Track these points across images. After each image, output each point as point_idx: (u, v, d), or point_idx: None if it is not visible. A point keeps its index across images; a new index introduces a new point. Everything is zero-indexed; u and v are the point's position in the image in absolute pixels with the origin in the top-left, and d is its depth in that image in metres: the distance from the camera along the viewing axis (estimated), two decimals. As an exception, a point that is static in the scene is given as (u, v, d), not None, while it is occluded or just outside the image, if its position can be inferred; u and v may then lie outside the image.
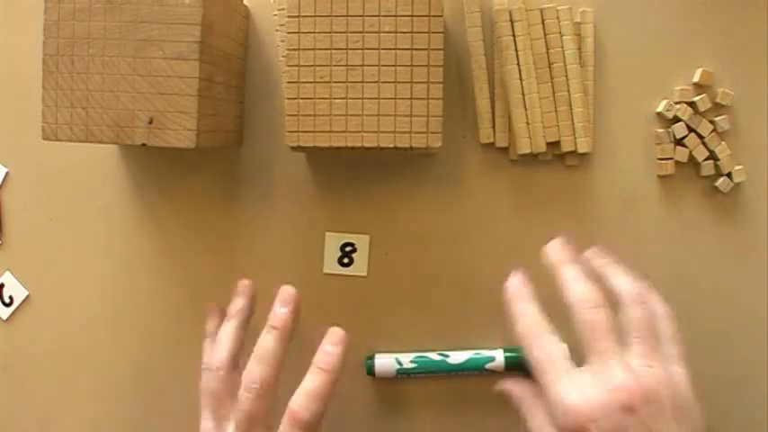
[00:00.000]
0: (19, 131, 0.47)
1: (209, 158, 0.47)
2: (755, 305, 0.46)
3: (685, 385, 0.34)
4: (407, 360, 0.45)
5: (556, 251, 0.38)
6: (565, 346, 0.35)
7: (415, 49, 0.40)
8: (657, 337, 0.34)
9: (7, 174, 0.48)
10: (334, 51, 0.40)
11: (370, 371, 0.45)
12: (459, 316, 0.46)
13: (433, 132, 0.40)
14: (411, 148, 0.40)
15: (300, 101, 0.40)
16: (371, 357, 0.45)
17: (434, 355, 0.45)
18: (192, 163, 0.47)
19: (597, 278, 0.37)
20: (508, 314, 0.37)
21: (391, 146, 0.40)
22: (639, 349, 0.33)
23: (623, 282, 0.36)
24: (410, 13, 0.40)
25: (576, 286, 0.35)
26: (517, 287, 0.38)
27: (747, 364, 0.46)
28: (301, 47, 0.40)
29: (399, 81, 0.40)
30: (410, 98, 0.40)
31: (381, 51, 0.40)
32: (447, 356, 0.45)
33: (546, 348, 0.35)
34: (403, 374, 0.45)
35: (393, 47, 0.40)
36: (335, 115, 0.40)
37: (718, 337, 0.46)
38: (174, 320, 0.47)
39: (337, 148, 0.41)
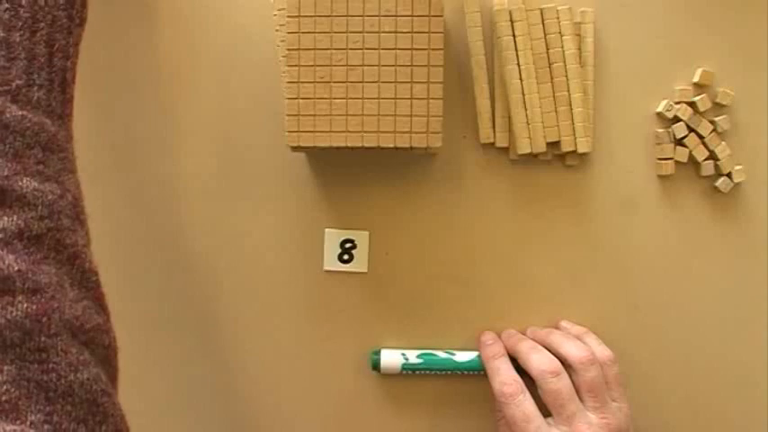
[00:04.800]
0: (19, 131, 0.47)
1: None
2: (755, 305, 0.46)
3: (627, 418, 0.41)
4: (414, 356, 0.45)
5: (506, 337, 0.45)
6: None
7: (416, 49, 0.40)
8: (605, 389, 0.41)
9: (7, 173, 0.48)
10: (334, 51, 0.40)
11: (376, 366, 0.45)
12: (458, 314, 0.46)
13: (433, 132, 0.40)
14: (411, 148, 0.40)
15: (300, 101, 0.40)
16: (377, 352, 0.45)
17: (441, 353, 0.45)
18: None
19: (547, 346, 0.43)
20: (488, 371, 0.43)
21: (391, 146, 0.40)
22: (594, 405, 0.40)
23: (571, 348, 0.42)
24: (410, 13, 0.40)
25: (534, 357, 0.42)
26: (490, 346, 0.44)
27: (747, 364, 0.47)
28: (301, 47, 0.40)
29: (399, 81, 0.40)
30: (410, 98, 0.40)
31: (381, 51, 0.40)
32: (453, 354, 0.45)
33: (521, 406, 0.40)
34: (408, 370, 0.45)
35: (393, 47, 0.40)
36: (335, 115, 0.40)
37: (718, 337, 0.46)
38: (172, 319, 0.47)
39: (337, 148, 0.41)
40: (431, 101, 0.40)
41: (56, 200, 0.31)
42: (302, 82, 0.40)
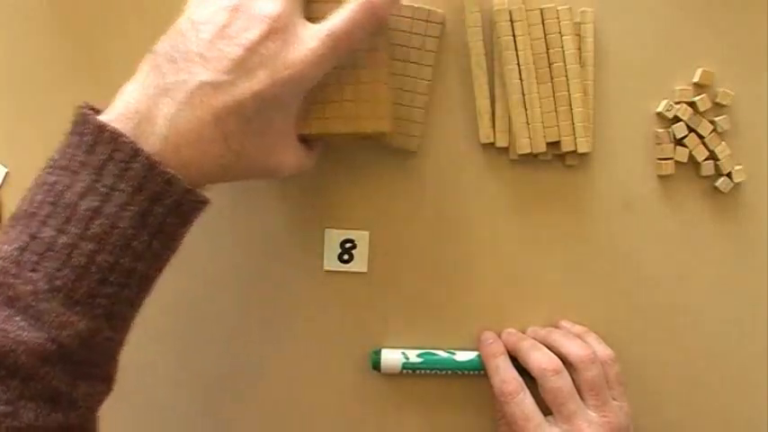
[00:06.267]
0: (19, 131, 0.47)
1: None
2: (755, 305, 0.46)
3: (628, 417, 0.41)
4: (414, 355, 0.45)
5: (506, 336, 0.45)
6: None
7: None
8: (606, 387, 0.41)
9: (7, 174, 0.48)
10: None
11: (376, 365, 0.45)
12: (458, 314, 0.46)
13: (380, 118, 0.39)
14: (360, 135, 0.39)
15: None
16: (378, 352, 0.45)
17: (441, 353, 0.45)
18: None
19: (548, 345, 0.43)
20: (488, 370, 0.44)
21: (342, 131, 0.39)
22: (594, 404, 0.40)
23: (572, 346, 0.42)
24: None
25: (535, 355, 0.42)
26: (490, 344, 0.44)
27: (747, 363, 0.47)
28: None
29: (343, 67, 0.38)
30: (355, 83, 0.39)
31: None
32: (454, 354, 0.45)
33: (521, 404, 0.40)
34: (408, 369, 0.45)
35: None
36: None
37: (718, 337, 0.46)
38: (171, 319, 0.47)
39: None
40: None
41: (98, 402, 0.34)
42: None
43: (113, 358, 0.35)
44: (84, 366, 0.32)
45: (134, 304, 0.34)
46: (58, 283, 0.30)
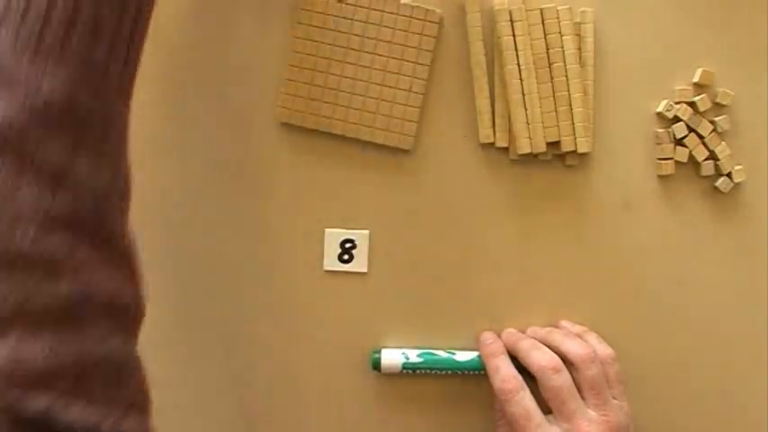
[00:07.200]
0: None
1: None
2: (755, 305, 0.46)
3: (628, 416, 0.41)
4: (414, 355, 0.45)
5: (506, 336, 0.45)
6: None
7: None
8: (606, 386, 0.41)
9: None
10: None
11: (377, 365, 0.45)
12: (458, 314, 0.46)
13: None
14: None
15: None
16: (378, 351, 0.45)
17: (442, 353, 0.45)
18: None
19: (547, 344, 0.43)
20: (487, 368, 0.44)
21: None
22: (595, 403, 0.40)
23: (572, 345, 0.42)
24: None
25: (535, 354, 0.42)
26: (489, 344, 0.44)
27: (747, 363, 0.47)
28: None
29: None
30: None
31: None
32: (454, 354, 0.45)
33: (521, 403, 0.40)
34: (409, 369, 0.45)
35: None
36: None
37: (717, 337, 0.46)
38: (170, 319, 0.47)
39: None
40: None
41: (108, 185, 0.32)
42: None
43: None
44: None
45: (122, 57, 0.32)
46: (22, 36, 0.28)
